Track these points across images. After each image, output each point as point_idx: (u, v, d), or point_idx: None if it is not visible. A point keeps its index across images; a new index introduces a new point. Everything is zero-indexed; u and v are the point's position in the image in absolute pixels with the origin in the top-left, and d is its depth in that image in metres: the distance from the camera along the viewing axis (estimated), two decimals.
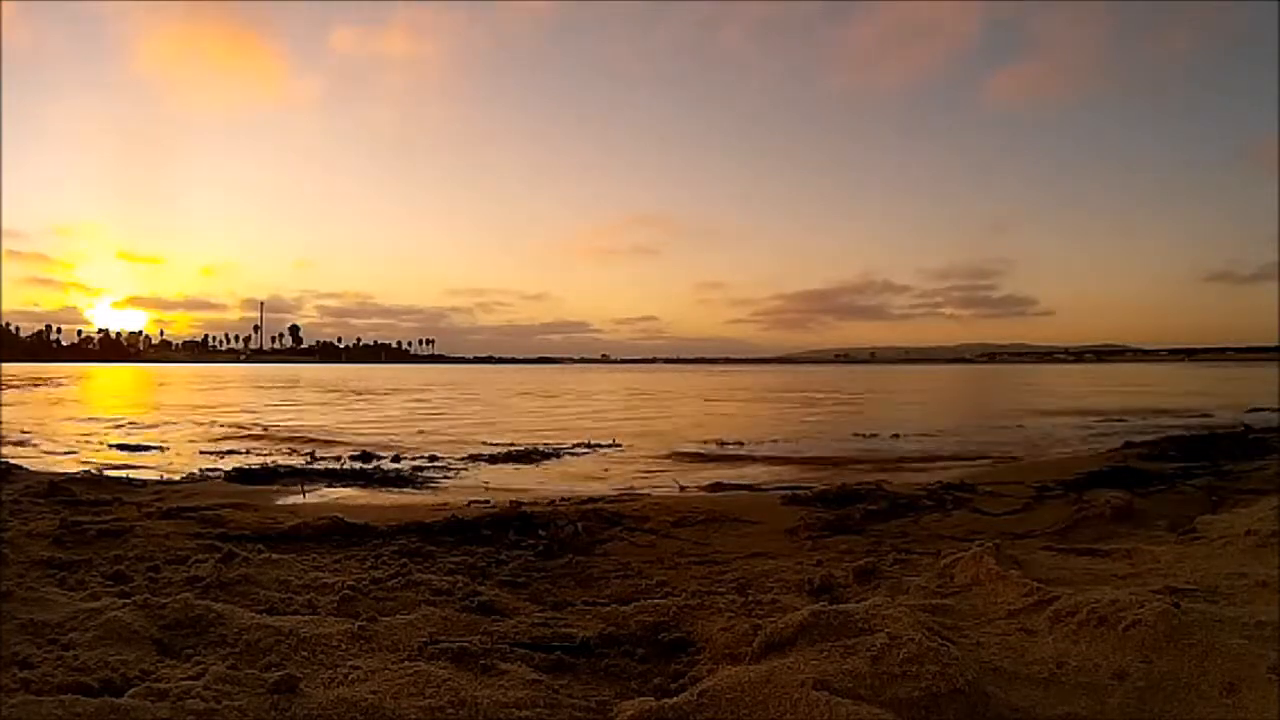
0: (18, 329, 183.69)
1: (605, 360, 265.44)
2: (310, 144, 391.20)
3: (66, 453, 6.86)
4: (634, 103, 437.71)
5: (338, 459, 6.38)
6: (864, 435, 8.77)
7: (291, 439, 8.32)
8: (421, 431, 9.36)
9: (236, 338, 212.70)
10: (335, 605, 1.97)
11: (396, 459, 6.43)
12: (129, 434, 8.65)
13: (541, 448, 7.36)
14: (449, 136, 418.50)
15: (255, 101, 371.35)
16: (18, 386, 22.58)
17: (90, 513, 3.26)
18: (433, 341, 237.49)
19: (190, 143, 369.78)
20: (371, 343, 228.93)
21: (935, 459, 6.76)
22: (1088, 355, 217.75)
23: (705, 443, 8.05)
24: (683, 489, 4.90)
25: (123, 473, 5.05)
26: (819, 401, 17.23)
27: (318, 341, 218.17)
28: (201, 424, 10.11)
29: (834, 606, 1.64)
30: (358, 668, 1.47)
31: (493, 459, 6.63)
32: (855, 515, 3.45)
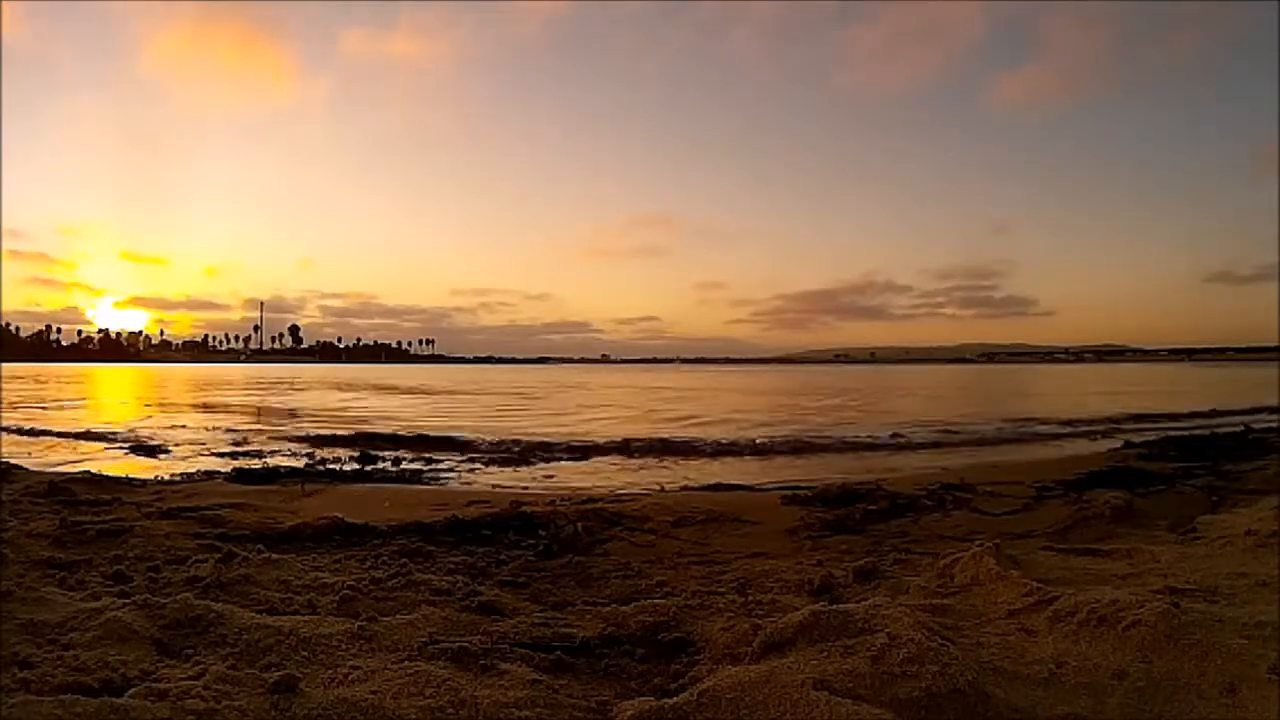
0: (18, 329, 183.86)
1: (606, 360, 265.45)
2: (316, 144, 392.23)
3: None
4: (638, 104, 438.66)
5: (338, 459, 6.38)
6: (864, 436, 8.77)
7: None
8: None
9: (236, 338, 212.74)
10: (335, 605, 1.97)
11: (397, 461, 6.43)
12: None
13: (543, 446, 7.36)
14: (455, 137, 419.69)
15: (263, 102, 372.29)
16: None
17: (90, 513, 3.25)
18: (433, 341, 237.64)
19: (196, 143, 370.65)
20: (372, 342, 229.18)
21: (934, 455, 6.77)
22: (1088, 355, 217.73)
23: (705, 442, 8.05)
24: (682, 489, 4.89)
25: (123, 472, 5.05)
26: (818, 401, 17.23)
27: (318, 341, 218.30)
28: None
29: (834, 606, 1.64)
30: (358, 668, 1.47)
31: (492, 459, 6.63)
32: (855, 515, 3.44)
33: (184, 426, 9.81)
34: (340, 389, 22.67)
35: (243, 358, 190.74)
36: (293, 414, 12.70)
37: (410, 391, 21.79)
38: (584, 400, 18.30)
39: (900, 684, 1.31)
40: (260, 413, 12.93)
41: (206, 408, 13.45)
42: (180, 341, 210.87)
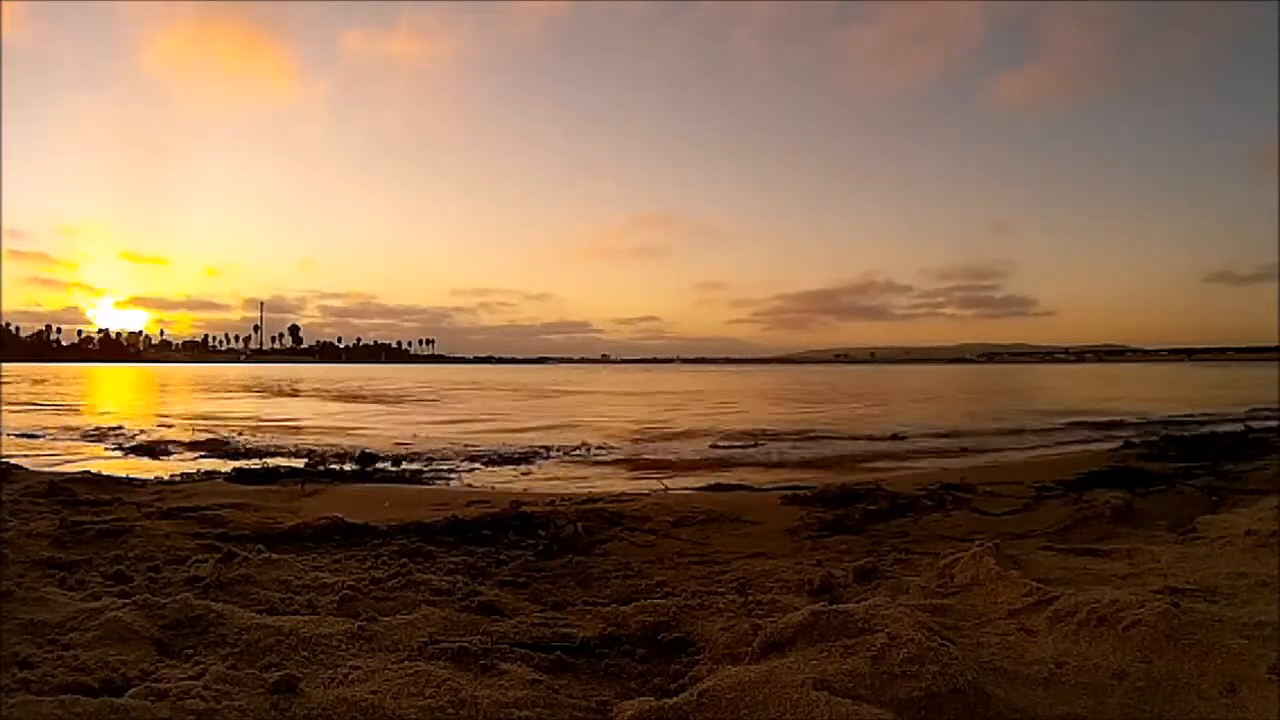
0: (18, 329, 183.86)
1: (606, 360, 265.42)
2: (316, 144, 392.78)
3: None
4: (638, 104, 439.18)
5: (339, 460, 6.38)
6: (864, 436, 8.77)
7: None
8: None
9: (236, 338, 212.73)
10: (335, 605, 1.96)
11: (397, 461, 6.43)
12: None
13: (543, 447, 7.37)
14: (455, 137, 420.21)
15: (263, 102, 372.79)
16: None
17: (90, 513, 3.25)
18: (433, 341, 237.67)
19: (196, 143, 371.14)
20: (372, 343, 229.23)
21: (933, 455, 6.77)
22: (1088, 355, 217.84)
23: (706, 442, 8.05)
24: (682, 489, 4.89)
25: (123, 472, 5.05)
26: (818, 401, 17.23)
27: (318, 341, 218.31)
28: None
29: (834, 606, 1.64)
30: (358, 668, 1.47)
31: (492, 459, 6.64)
32: (855, 515, 3.44)
33: (181, 427, 9.81)
34: (338, 398, 22.60)
35: (243, 358, 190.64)
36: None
37: (416, 399, 21.76)
38: (584, 401, 18.29)
39: (900, 684, 1.31)
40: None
41: (205, 416, 13.45)
42: (180, 341, 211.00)
